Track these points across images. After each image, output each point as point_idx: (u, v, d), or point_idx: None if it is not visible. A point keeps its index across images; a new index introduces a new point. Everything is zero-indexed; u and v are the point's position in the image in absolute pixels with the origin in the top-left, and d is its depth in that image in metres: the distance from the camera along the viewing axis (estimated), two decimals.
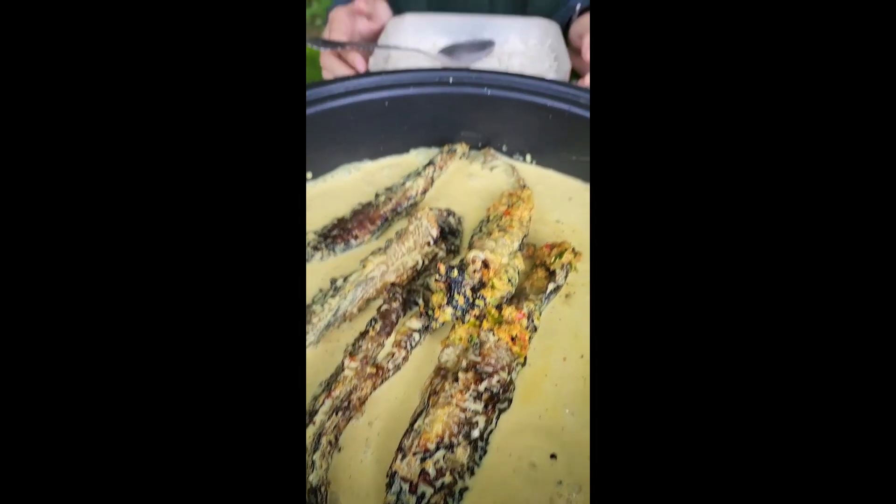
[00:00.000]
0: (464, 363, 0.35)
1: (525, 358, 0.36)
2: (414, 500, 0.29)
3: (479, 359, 0.35)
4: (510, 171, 0.51)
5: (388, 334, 0.37)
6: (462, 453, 0.31)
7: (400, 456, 0.30)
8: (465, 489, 0.30)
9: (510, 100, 0.48)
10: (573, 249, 0.41)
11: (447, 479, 0.29)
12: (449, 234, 0.44)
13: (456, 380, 0.34)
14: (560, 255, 0.40)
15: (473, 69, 0.50)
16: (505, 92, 0.48)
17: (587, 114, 0.46)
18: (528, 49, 0.68)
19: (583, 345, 0.38)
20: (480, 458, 0.32)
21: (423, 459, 0.30)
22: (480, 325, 0.37)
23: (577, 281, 0.42)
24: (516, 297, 0.39)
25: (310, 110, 0.46)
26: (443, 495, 0.29)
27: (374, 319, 0.37)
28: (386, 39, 0.67)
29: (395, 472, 0.29)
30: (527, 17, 0.68)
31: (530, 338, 0.37)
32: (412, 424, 0.32)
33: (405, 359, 0.37)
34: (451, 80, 0.49)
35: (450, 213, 0.46)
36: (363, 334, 0.36)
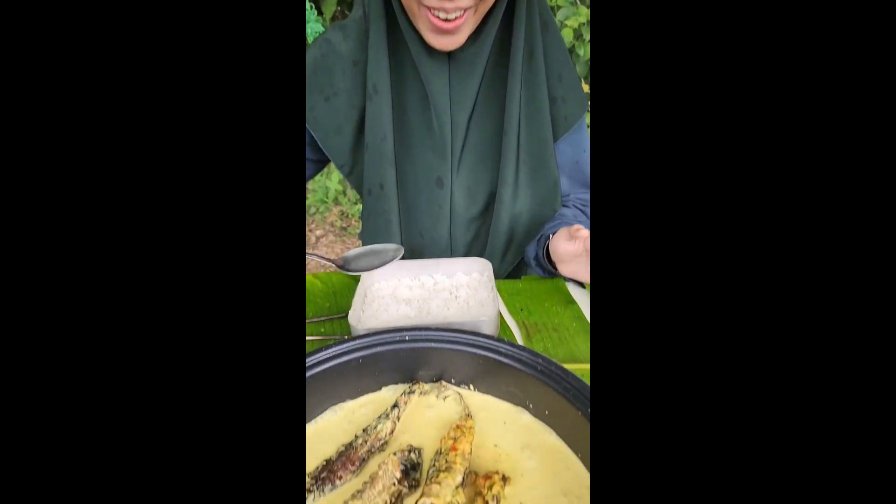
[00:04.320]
0: None
1: None
2: None
3: None
4: (458, 400, 0.67)
5: None
6: None
7: None
8: None
9: (450, 349, 0.66)
10: (503, 477, 0.54)
11: None
12: (410, 469, 0.57)
13: None
14: (491, 486, 0.53)
15: (422, 328, 0.68)
16: (446, 344, 0.66)
17: (508, 361, 0.63)
18: (470, 280, 0.89)
19: None
20: None
21: None
22: None
23: (512, 498, 0.54)
24: None
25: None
26: None
27: None
28: (361, 285, 0.88)
29: None
30: (467, 258, 0.90)
31: None
32: None
33: None
34: (407, 338, 0.67)
35: (411, 449, 0.60)
36: None
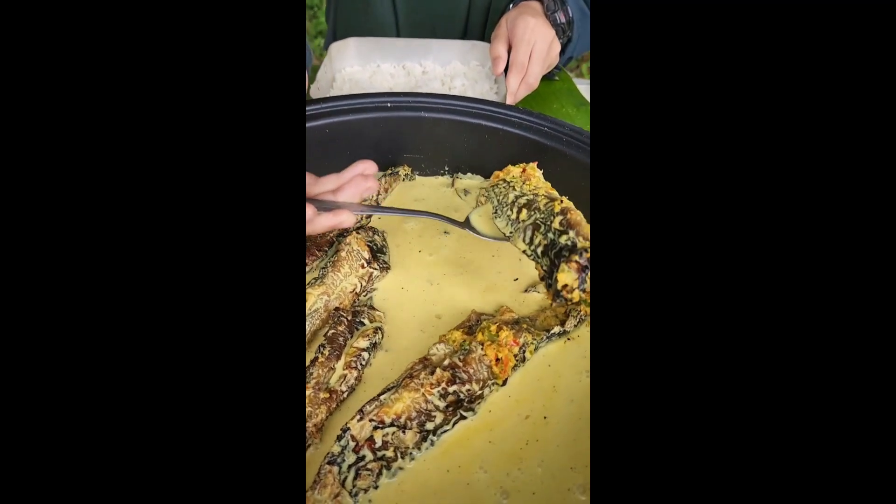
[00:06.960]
0: (446, 362, 0.37)
1: (505, 381, 0.37)
2: (353, 458, 0.32)
3: (460, 363, 0.36)
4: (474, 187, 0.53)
5: (338, 357, 0.38)
6: (411, 438, 0.33)
7: (358, 417, 0.33)
8: (401, 469, 0.33)
9: (447, 121, 0.51)
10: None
11: (389, 453, 0.33)
12: (378, 252, 0.45)
13: (432, 373, 0.36)
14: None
15: (410, 93, 0.52)
16: (441, 114, 0.51)
17: (519, 131, 0.49)
18: (469, 70, 0.71)
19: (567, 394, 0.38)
20: (427, 448, 0.34)
21: (375, 428, 0.33)
22: (475, 337, 0.38)
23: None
24: (519, 324, 0.39)
25: None
26: (379, 465, 0.32)
27: (323, 345, 0.38)
28: (330, 64, 0.69)
29: (348, 429, 0.32)
30: (465, 41, 0.71)
31: (515, 367, 0.38)
32: (380, 394, 0.35)
33: (358, 379, 0.38)
34: (389, 105, 0.51)
35: (375, 231, 0.47)
36: (313, 361, 0.37)
